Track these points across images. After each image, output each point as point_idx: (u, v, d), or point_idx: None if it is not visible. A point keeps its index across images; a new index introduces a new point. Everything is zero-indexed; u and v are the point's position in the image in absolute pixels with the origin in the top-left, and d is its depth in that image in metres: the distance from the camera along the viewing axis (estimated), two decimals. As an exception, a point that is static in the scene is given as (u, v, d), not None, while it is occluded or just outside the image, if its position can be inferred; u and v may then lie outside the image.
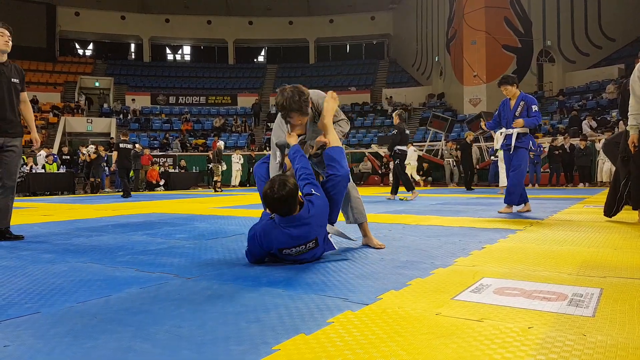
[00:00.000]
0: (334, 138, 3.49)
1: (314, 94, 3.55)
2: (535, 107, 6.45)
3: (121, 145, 13.65)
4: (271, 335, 1.76)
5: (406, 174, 10.71)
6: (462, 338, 1.69)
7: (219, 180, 17.62)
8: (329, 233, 3.31)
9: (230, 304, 2.20)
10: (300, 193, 3.11)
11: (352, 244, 3.87)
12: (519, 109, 6.48)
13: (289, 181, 2.98)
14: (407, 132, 10.74)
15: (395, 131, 10.64)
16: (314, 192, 3.15)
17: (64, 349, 1.66)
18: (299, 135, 3.53)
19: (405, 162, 11.06)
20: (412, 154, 15.90)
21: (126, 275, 2.89)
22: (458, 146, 15.53)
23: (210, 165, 22.67)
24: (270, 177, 3.42)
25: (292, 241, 3.01)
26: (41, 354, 1.62)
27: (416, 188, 11.06)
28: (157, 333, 1.81)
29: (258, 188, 3.71)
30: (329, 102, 3.55)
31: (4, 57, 4.62)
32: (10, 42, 4.61)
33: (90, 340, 1.75)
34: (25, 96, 4.90)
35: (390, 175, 16.79)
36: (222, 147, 18.90)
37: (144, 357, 1.58)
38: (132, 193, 13.45)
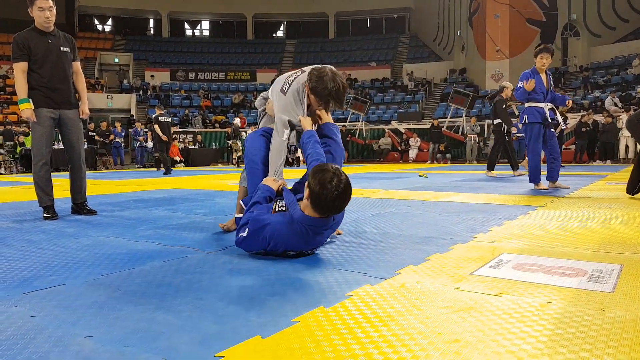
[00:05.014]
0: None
1: None
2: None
3: (160, 119, 13.11)
4: (291, 308, 1.79)
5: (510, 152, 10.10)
6: (481, 312, 1.70)
7: (240, 155, 18.25)
8: None
9: (250, 277, 2.23)
10: None
11: (367, 223, 3.88)
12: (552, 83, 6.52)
13: (344, 174, 2.52)
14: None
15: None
16: None
17: (89, 319, 1.71)
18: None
19: None
20: None
21: (148, 248, 2.93)
22: None
23: (230, 142, 22.88)
24: (272, 157, 3.08)
25: (310, 245, 2.64)
26: (67, 324, 1.66)
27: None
28: (179, 305, 1.85)
29: (247, 164, 3.20)
30: None
31: (51, 27, 4.42)
32: (52, 17, 4.36)
33: (114, 311, 1.79)
34: (78, 66, 4.68)
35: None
36: (238, 123, 19.08)
37: (166, 328, 1.61)
38: (155, 169, 13.49)
